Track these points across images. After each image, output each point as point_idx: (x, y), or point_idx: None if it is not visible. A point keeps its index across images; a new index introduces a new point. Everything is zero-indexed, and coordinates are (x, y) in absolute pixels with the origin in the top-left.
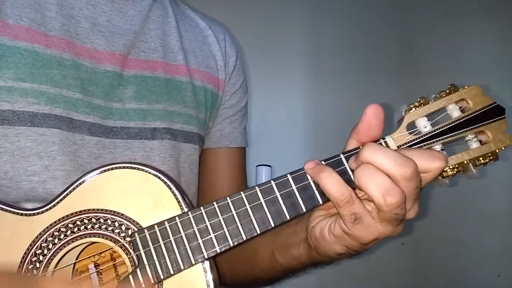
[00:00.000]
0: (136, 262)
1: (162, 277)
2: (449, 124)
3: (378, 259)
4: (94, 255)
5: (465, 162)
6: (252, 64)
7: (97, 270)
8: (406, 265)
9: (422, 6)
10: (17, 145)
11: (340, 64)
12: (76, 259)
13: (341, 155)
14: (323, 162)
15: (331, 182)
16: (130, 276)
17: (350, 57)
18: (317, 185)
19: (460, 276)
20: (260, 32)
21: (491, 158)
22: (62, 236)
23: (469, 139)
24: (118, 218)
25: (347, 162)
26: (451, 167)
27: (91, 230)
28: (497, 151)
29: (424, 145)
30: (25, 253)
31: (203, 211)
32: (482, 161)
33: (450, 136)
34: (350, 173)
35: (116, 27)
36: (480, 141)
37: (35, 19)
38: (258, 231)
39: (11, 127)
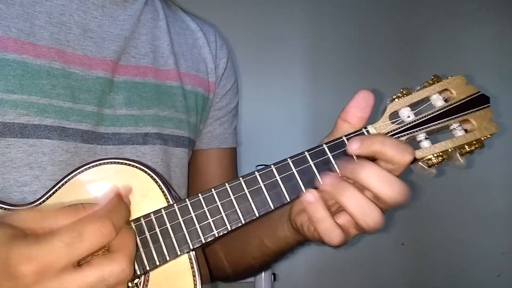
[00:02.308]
0: None
1: (148, 268)
2: (432, 113)
3: (378, 259)
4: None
5: (450, 150)
6: (252, 64)
7: (86, 261)
8: (406, 265)
9: (422, 5)
10: (8, 156)
11: (340, 64)
12: None
13: (324, 145)
14: (306, 153)
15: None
16: None
17: (350, 57)
18: (301, 175)
19: (460, 276)
20: (260, 32)
21: (476, 146)
22: None
23: (454, 128)
24: None
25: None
26: (435, 155)
27: None
28: (482, 138)
29: (407, 134)
30: None
31: (188, 202)
32: (468, 149)
33: (434, 125)
34: (334, 162)
35: (107, 32)
36: (466, 130)
37: (24, 30)
38: (243, 221)
39: (1, 138)
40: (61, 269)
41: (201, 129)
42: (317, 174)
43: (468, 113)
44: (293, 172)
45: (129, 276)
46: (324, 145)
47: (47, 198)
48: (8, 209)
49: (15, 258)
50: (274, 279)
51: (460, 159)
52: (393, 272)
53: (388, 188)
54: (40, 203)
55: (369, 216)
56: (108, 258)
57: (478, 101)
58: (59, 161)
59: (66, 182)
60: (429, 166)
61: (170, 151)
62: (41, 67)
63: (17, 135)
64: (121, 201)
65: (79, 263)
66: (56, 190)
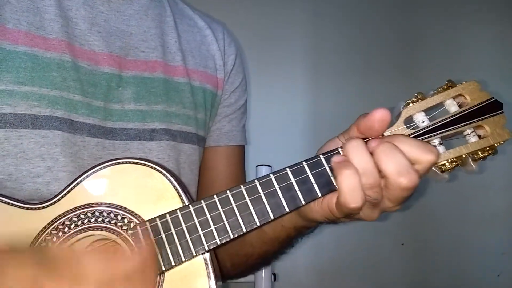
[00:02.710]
0: None
1: (163, 268)
2: (447, 118)
3: (378, 259)
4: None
5: (464, 156)
6: (252, 64)
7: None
8: (406, 265)
9: (423, 6)
10: (20, 147)
11: (341, 64)
12: None
13: (321, 156)
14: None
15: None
16: None
17: (351, 57)
18: (315, 178)
19: (460, 276)
20: (261, 31)
21: (489, 152)
22: (66, 229)
23: (467, 134)
24: (120, 212)
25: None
26: (449, 160)
27: (94, 223)
28: (495, 145)
29: (422, 139)
30: (30, 246)
31: (203, 204)
32: (481, 155)
33: (448, 131)
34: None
35: (114, 27)
36: (479, 136)
37: (34, 23)
38: (258, 223)
39: (13, 130)
40: None
41: (210, 126)
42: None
43: (482, 119)
44: (307, 176)
45: None
46: (339, 149)
47: (62, 197)
48: (26, 208)
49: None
50: (274, 279)
51: (472, 164)
52: (393, 272)
53: (420, 151)
54: (55, 202)
55: (405, 175)
56: None
57: (492, 107)
58: (70, 153)
59: (81, 181)
60: (442, 171)
61: (178, 147)
62: (51, 60)
63: (28, 126)
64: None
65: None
66: (71, 189)
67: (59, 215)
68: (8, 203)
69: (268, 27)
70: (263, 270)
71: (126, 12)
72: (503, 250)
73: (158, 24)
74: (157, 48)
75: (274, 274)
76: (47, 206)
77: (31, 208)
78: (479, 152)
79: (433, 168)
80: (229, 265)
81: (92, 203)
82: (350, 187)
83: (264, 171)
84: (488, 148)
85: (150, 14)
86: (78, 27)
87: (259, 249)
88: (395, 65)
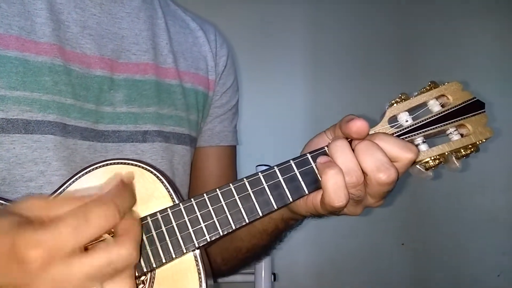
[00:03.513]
0: None
1: (154, 265)
2: (429, 118)
3: (378, 259)
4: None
5: (446, 153)
6: (252, 63)
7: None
8: (406, 265)
9: (422, 5)
10: (13, 152)
11: (340, 63)
12: None
13: (308, 155)
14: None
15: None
16: None
17: (351, 56)
18: (302, 175)
19: (460, 276)
20: (260, 31)
21: (472, 149)
22: None
23: (450, 133)
24: None
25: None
26: (432, 158)
27: None
28: (477, 143)
29: (405, 137)
30: None
31: (193, 202)
32: (463, 152)
33: (431, 129)
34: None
35: (105, 30)
36: (461, 134)
37: (25, 27)
38: (247, 220)
39: (5, 135)
40: (68, 254)
41: (202, 127)
42: (318, 174)
43: (463, 118)
44: (295, 173)
45: (136, 260)
46: (326, 147)
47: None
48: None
49: (23, 244)
50: (274, 279)
51: (456, 162)
52: (393, 272)
53: (399, 148)
54: None
55: (384, 171)
56: (115, 242)
57: (474, 107)
58: (63, 157)
59: (72, 182)
60: (426, 169)
61: (172, 148)
62: (43, 64)
63: (21, 131)
64: (125, 187)
65: (86, 248)
66: (63, 190)
67: None
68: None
69: (268, 26)
70: (263, 270)
71: (118, 15)
72: (503, 250)
73: (149, 27)
74: (149, 50)
75: (274, 274)
76: None
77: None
78: (462, 150)
79: (417, 166)
80: (219, 260)
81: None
82: (335, 187)
83: None
84: (470, 146)
85: (142, 17)
86: (70, 30)
87: (248, 242)
88: (395, 64)
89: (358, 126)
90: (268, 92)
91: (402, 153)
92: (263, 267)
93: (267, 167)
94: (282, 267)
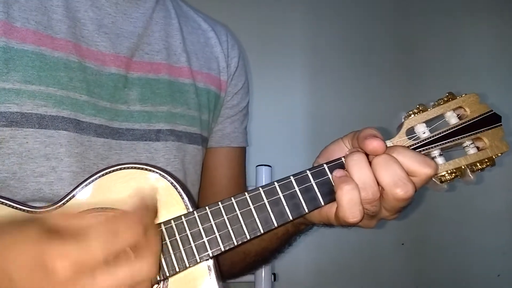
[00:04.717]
0: None
1: (167, 274)
2: (447, 130)
3: (378, 259)
4: None
5: (463, 167)
6: (252, 64)
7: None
8: (406, 265)
9: (422, 5)
10: (25, 146)
11: (340, 64)
12: None
13: (325, 165)
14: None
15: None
16: None
17: (351, 57)
18: (319, 186)
19: (460, 276)
20: (260, 32)
21: (488, 163)
22: None
23: (467, 145)
24: None
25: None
26: (449, 171)
27: None
28: (493, 157)
29: (423, 150)
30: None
31: (208, 210)
32: (479, 166)
33: (448, 142)
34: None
35: (121, 29)
36: (477, 148)
37: (42, 22)
38: (262, 231)
39: (19, 129)
40: (95, 266)
41: (213, 127)
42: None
43: (480, 131)
44: (311, 184)
45: (155, 274)
46: (343, 158)
47: (67, 201)
48: (30, 211)
49: (51, 254)
50: (274, 279)
51: (471, 175)
52: (393, 272)
53: (418, 163)
54: (59, 206)
55: (401, 186)
56: (138, 257)
57: (490, 120)
58: (75, 153)
59: (86, 185)
60: (441, 182)
61: (184, 147)
62: (59, 60)
63: (34, 125)
64: (148, 202)
65: None
66: (76, 194)
67: None
68: (11, 206)
69: (267, 27)
70: (263, 270)
71: (133, 15)
72: (503, 250)
73: (163, 27)
74: (161, 51)
75: (274, 274)
76: (52, 210)
77: (35, 212)
78: (478, 164)
79: (433, 179)
80: (228, 263)
81: (96, 208)
82: (351, 203)
83: (264, 171)
84: (486, 160)
85: (155, 17)
86: (86, 28)
87: (257, 246)
88: (395, 65)
89: (374, 145)
90: (268, 92)
91: (421, 169)
92: (263, 267)
93: (282, 178)
94: (282, 267)
